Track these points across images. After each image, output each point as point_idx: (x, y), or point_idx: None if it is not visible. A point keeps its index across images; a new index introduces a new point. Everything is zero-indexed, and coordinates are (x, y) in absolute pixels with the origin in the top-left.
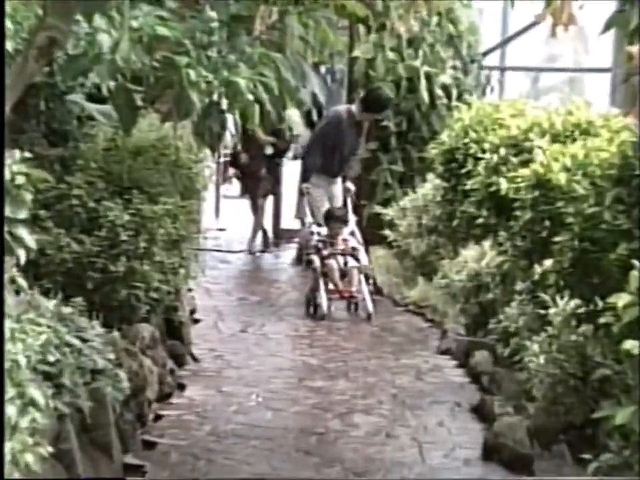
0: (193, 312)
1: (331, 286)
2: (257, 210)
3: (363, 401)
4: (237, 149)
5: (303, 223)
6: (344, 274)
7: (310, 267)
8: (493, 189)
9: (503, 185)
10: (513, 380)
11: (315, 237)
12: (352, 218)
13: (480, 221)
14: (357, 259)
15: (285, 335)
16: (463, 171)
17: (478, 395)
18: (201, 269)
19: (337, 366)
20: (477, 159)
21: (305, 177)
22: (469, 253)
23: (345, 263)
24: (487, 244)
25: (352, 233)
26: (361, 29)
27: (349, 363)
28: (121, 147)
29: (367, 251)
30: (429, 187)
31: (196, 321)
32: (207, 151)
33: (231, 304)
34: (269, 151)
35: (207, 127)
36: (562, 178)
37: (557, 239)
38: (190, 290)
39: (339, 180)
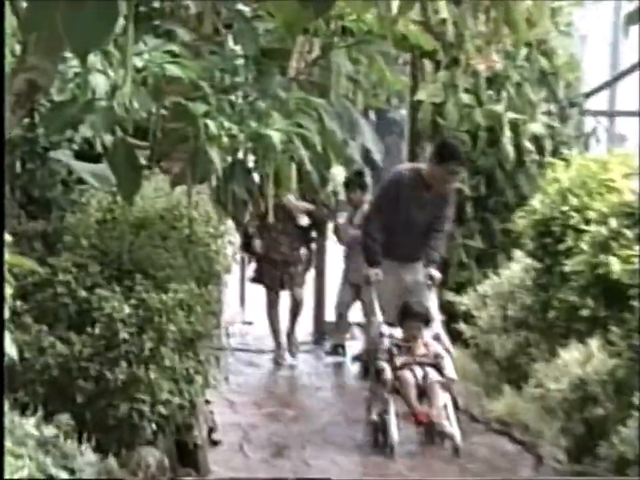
0: (212, 431)
1: (404, 406)
2: (273, 306)
3: None
4: (250, 222)
5: (340, 317)
6: (423, 391)
7: (378, 379)
8: (601, 271)
9: (615, 265)
10: None
11: (386, 341)
12: (437, 316)
13: (584, 312)
14: (441, 372)
15: (333, 462)
16: (561, 247)
17: None
18: (223, 375)
19: None
20: (580, 232)
21: (369, 260)
22: (571, 354)
23: (425, 377)
24: (594, 343)
25: (436, 337)
26: (427, 65)
27: None
28: (119, 218)
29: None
30: (517, 268)
31: (215, 443)
32: (230, 223)
33: (261, 420)
34: (304, 221)
35: (230, 192)
36: None
37: None
38: (208, 402)
39: (418, 265)
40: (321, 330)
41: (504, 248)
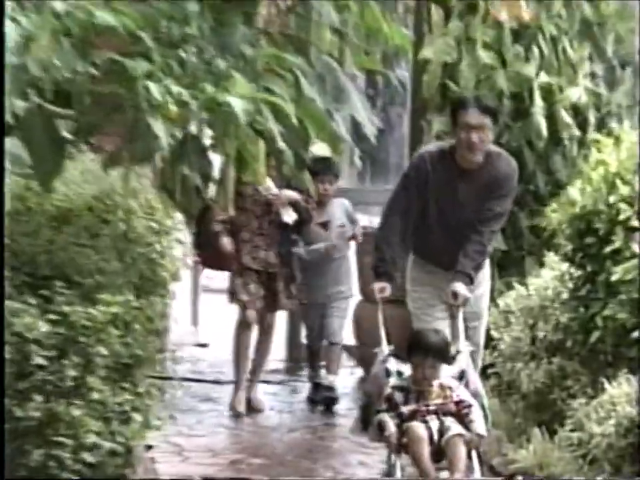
0: None
1: (411, 469)
2: (244, 331)
3: None
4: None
5: (311, 350)
6: (439, 450)
7: (381, 434)
8: None
9: None
10: None
11: (391, 381)
12: (464, 348)
13: (637, 334)
14: (465, 424)
15: None
16: (608, 249)
17: None
18: (169, 412)
19: None
20: (632, 230)
21: (376, 270)
22: (620, 388)
23: (442, 430)
24: None
25: (461, 376)
26: (436, 13)
27: None
28: (35, 209)
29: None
30: (550, 276)
31: None
32: (179, 216)
33: (219, 472)
34: (290, 217)
35: (178, 176)
36: None
37: None
38: (150, 448)
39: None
40: (296, 357)
41: (533, 251)
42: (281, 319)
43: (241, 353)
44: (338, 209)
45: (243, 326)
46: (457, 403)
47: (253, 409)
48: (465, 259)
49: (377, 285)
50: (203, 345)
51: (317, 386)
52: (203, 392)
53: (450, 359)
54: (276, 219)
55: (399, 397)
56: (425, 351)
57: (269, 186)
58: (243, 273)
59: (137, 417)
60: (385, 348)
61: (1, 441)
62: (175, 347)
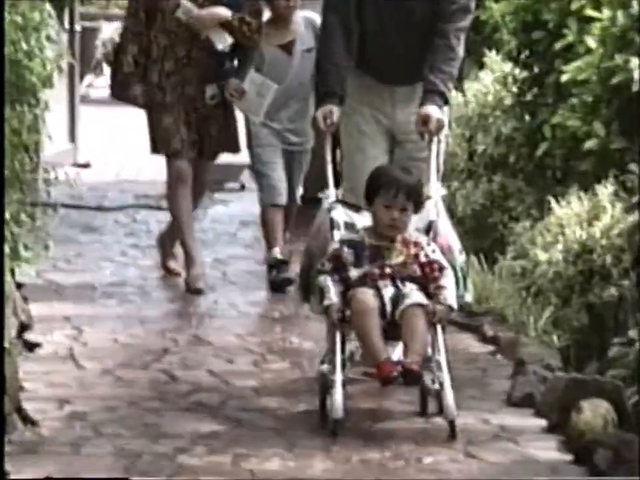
0: (25, 329)
1: (357, 352)
2: (180, 184)
3: None
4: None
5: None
6: (394, 323)
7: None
8: (616, 79)
9: (638, 70)
10: None
11: (338, 235)
12: (437, 190)
13: (591, 144)
14: (429, 292)
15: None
16: (558, 45)
17: None
18: (43, 244)
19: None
20: (586, 21)
21: (319, 93)
22: (569, 208)
23: (397, 300)
24: (604, 190)
25: (428, 230)
26: None
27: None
28: None
29: None
30: (490, 78)
31: (32, 347)
32: (50, 9)
33: (103, 311)
34: (221, 44)
35: None
36: None
37: None
38: (20, 286)
39: (412, 93)
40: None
41: (471, 49)
42: None
43: (183, 218)
44: (304, 27)
45: (176, 182)
46: (424, 265)
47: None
48: (433, 73)
49: (321, 112)
50: (83, 166)
51: (274, 266)
52: (83, 220)
53: (419, 205)
54: (207, 45)
55: (347, 255)
56: (393, 188)
57: (189, 6)
58: (168, 114)
59: (3, 249)
60: (332, 192)
61: (1, 440)
62: (48, 166)
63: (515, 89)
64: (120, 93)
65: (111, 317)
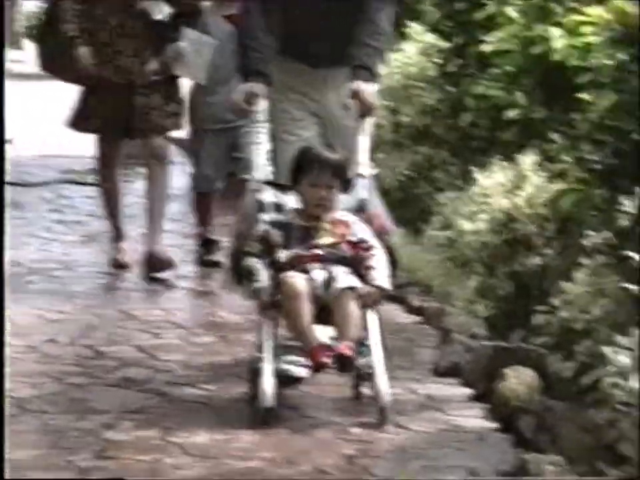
0: None
1: (287, 336)
2: (108, 164)
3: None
4: None
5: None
6: (325, 308)
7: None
8: (537, 50)
9: (558, 40)
10: (583, 424)
11: (266, 217)
12: (366, 170)
13: (513, 113)
14: (360, 273)
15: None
16: (479, 15)
17: (513, 454)
18: None
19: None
20: None
21: (244, 69)
22: (493, 177)
23: (327, 282)
24: (527, 160)
25: (359, 209)
26: None
27: None
28: None
29: None
30: (413, 50)
31: None
32: None
33: (30, 286)
34: (159, 12)
35: None
36: None
37: None
38: None
39: (340, 76)
40: None
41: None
42: None
43: (105, 196)
44: None
45: (100, 161)
46: (354, 245)
47: (158, 266)
48: (358, 48)
49: (241, 91)
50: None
51: (204, 245)
52: (6, 196)
53: (348, 184)
54: (144, 15)
55: (276, 237)
56: (318, 166)
57: None
58: (98, 87)
59: None
60: (259, 173)
61: (1, 440)
62: None
63: (438, 60)
64: (51, 66)
65: (35, 293)
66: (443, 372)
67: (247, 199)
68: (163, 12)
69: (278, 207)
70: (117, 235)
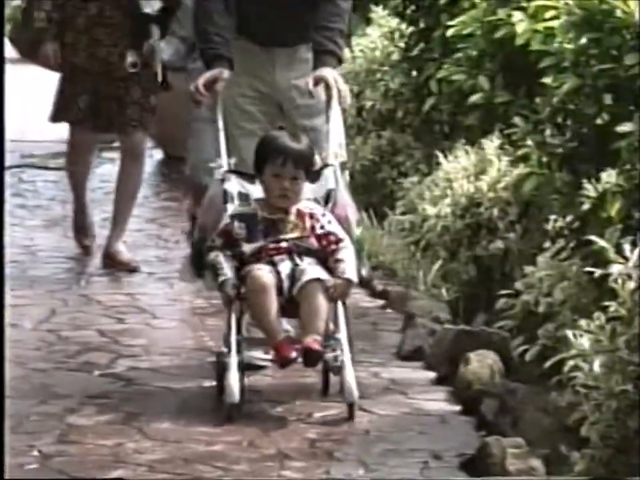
0: None
1: (256, 332)
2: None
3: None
4: None
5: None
6: (291, 301)
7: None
8: (500, 33)
9: (521, 25)
10: (545, 406)
11: (231, 208)
12: (334, 159)
13: (476, 98)
14: (328, 266)
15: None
16: (443, 0)
17: (475, 436)
18: None
19: None
20: None
21: (206, 56)
22: (456, 162)
23: (295, 276)
24: (490, 144)
25: (327, 200)
26: None
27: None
28: None
29: None
30: (377, 34)
31: None
32: None
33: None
34: (149, 6)
35: None
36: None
37: (626, 128)
38: None
39: (293, 56)
40: None
41: (358, 5)
42: None
43: (74, 187)
44: None
45: (71, 152)
46: (321, 237)
47: (118, 266)
48: (319, 32)
49: (204, 78)
50: None
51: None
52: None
53: (313, 174)
54: (130, 6)
55: (239, 230)
56: (281, 155)
57: None
58: (76, 77)
59: None
60: (224, 161)
61: (1, 440)
62: None
63: (402, 44)
64: (30, 52)
65: None
66: (407, 355)
67: (211, 189)
68: (152, 6)
69: (244, 197)
70: (82, 219)
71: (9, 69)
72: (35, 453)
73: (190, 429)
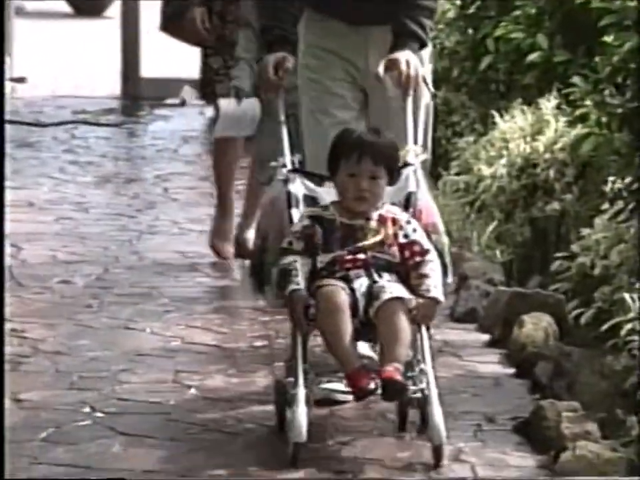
0: None
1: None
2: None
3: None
4: None
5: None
6: (368, 324)
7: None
8: None
9: None
10: (600, 370)
11: (297, 213)
12: (414, 158)
13: (534, 57)
14: (410, 282)
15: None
16: None
17: (529, 399)
18: None
19: None
20: None
21: (269, 37)
22: (512, 122)
23: (372, 294)
24: (547, 104)
25: (407, 204)
26: None
27: None
28: None
29: None
30: None
31: None
32: None
33: (43, 227)
34: None
35: None
36: None
37: None
38: None
39: (382, 32)
40: (133, 93)
41: None
42: None
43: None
44: None
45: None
46: (405, 247)
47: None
48: (404, 9)
49: (271, 60)
50: (19, 80)
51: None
52: (19, 136)
53: (396, 174)
54: None
55: (320, 235)
56: (356, 151)
57: None
58: (223, 49)
59: None
60: (288, 160)
61: (1, 441)
62: None
63: (458, 2)
64: (170, 24)
65: (49, 234)
66: (460, 317)
67: (272, 190)
68: None
69: (311, 200)
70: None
71: (63, 23)
72: (87, 409)
73: (242, 388)
